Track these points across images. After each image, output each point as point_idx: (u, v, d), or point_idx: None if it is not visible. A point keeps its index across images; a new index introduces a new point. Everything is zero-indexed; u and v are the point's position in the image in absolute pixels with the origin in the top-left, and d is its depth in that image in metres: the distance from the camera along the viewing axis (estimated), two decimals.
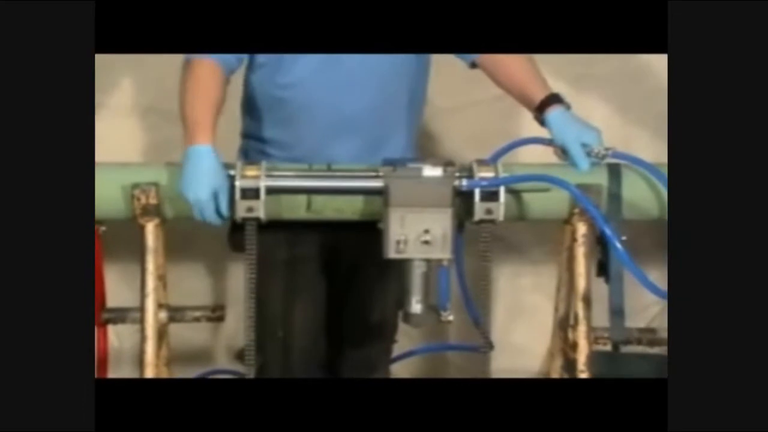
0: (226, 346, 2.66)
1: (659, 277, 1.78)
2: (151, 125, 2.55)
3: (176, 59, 1.95)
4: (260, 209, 1.88)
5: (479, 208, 1.88)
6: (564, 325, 2.11)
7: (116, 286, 2.37)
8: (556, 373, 2.15)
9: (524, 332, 2.62)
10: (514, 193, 1.97)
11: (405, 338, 2.29)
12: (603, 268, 2.01)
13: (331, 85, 1.99)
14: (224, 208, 1.90)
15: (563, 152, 2.01)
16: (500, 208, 1.88)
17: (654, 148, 2.28)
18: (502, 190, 1.88)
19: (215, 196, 1.89)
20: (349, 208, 1.97)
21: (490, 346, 1.97)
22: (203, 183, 1.88)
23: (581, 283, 2.01)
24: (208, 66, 1.92)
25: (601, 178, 2.00)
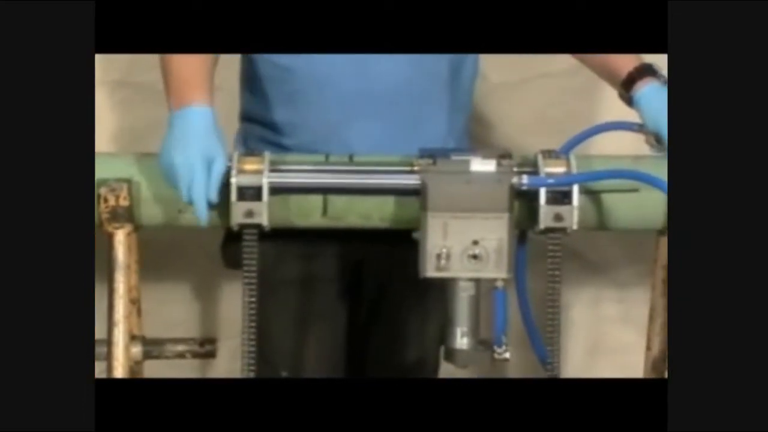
0: None
1: None
2: (122, 103, 2.58)
3: None
4: (263, 214, 1.89)
5: (546, 213, 1.88)
6: (659, 367, 2.11)
7: None
8: None
9: (607, 375, 2.62)
10: (592, 195, 1.97)
11: None
12: None
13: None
14: (214, 186, 1.85)
15: (658, 141, 2.01)
16: (574, 213, 1.88)
17: None
18: (575, 189, 1.89)
19: (209, 164, 1.86)
20: (377, 213, 1.98)
21: None
22: (195, 145, 1.85)
23: None
24: None
25: None
